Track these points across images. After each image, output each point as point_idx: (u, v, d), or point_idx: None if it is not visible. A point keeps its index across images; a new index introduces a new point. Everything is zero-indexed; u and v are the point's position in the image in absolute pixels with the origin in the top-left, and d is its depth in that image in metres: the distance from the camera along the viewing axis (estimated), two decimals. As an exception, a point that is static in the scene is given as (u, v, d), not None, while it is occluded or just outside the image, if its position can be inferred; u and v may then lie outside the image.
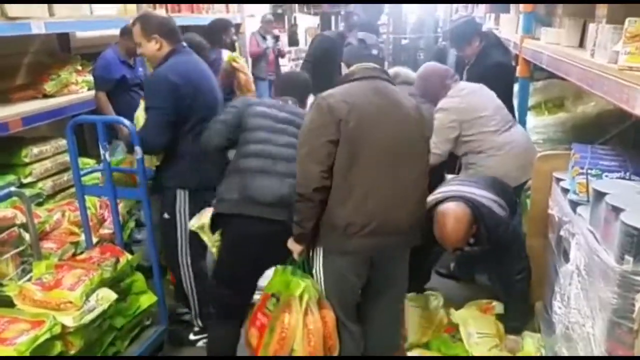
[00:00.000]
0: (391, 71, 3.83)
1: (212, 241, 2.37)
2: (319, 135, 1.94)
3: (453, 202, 2.37)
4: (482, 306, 2.66)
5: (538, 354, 2.36)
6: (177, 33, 2.60)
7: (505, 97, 3.33)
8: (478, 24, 4.06)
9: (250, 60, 7.09)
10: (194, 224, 2.40)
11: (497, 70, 3.53)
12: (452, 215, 2.29)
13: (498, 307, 2.67)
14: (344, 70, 2.17)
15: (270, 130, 2.30)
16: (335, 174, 1.97)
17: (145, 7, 4.04)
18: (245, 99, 2.61)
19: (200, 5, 5.00)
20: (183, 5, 4.70)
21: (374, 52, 2.14)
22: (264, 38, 7.15)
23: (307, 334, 2.06)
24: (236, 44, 5.53)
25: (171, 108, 2.43)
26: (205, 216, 2.36)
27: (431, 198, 2.43)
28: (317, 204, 1.98)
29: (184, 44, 2.63)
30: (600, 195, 1.78)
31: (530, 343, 2.41)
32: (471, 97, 3.09)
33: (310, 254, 2.16)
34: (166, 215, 2.61)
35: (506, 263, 2.49)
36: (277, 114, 2.35)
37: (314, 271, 2.15)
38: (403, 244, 2.17)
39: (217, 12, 5.33)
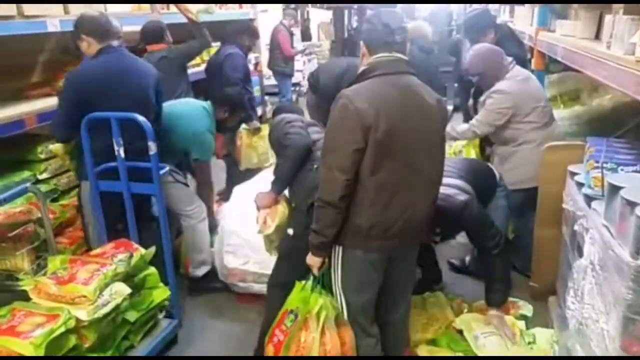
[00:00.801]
0: (410, 26, 3.80)
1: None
2: (346, 143, 1.85)
3: None
4: (484, 308, 2.62)
5: (550, 350, 2.34)
6: (107, 32, 2.67)
7: None
8: (493, 15, 4.02)
9: (266, 54, 7.12)
10: (264, 231, 2.47)
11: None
12: None
13: (525, 307, 2.62)
14: (363, 49, 2.01)
15: None
16: (360, 177, 1.89)
17: (159, 6, 4.09)
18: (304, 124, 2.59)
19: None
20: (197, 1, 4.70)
21: (398, 38, 1.95)
22: (291, 34, 7.22)
23: (324, 353, 2.02)
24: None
25: (75, 105, 2.55)
26: (271, 224, 2.45)
27: None
28: (342, 211, 1.91)
29: (115, 43, 2.71)
30: (615, 190, 1.74)
31: (543, 338, 2.39)
32: (529, 84, 3.03)
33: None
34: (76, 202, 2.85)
35: (481, 241, 2.55)
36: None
37: (332, 270, 2.08)
38: (419, 241, 2.19)
39: (229, 8, 5.33)
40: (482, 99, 3.11)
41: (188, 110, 3.19)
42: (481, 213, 2.54)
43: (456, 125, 3.33)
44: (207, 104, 3.24)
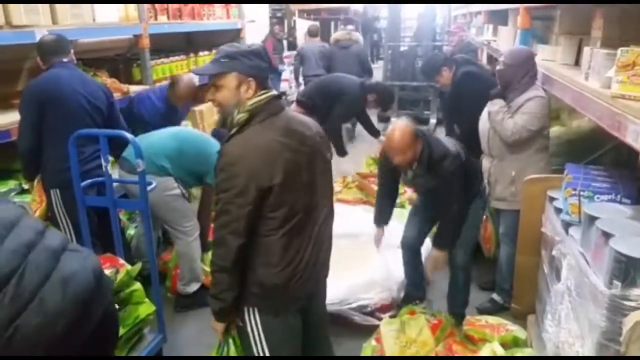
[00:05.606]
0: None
1: None
2: (239, 206, 1.65)
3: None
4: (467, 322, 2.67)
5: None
6: (54, 51, 2.87)
7: (483, 104, 3.09)
8: (443, 54, 4.20)
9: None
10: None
11: (465, 78, 3.67)
12: (397, 129, 2.56)
13: (519, 331, 2.55)
14: (249, 83, 1.72)
15: None
16: (260, 232, 1.73)
17: (148, 14, 4.10)
18: None
19: (201, 11, 5.02)
20: (185, 12, 4.73)
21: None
22: (279, 41, 7.36)
23: None
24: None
25: (33, 116, 2.76)
26: None
27: None
28: (237, 273, 1.74)
29: (65, 59, 2.90)
30: (591, 219, 1.82)
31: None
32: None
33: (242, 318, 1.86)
34: (49, 214, 2.93)
35: (442, 206, 2.69)
36: None
37: (251, 340, 1.84)
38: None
39: (217, 18, 5.35)
40: (503, 105, 2.90)
41: (210, 140, 3.28)
42: (455, 176, 2.59)
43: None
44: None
